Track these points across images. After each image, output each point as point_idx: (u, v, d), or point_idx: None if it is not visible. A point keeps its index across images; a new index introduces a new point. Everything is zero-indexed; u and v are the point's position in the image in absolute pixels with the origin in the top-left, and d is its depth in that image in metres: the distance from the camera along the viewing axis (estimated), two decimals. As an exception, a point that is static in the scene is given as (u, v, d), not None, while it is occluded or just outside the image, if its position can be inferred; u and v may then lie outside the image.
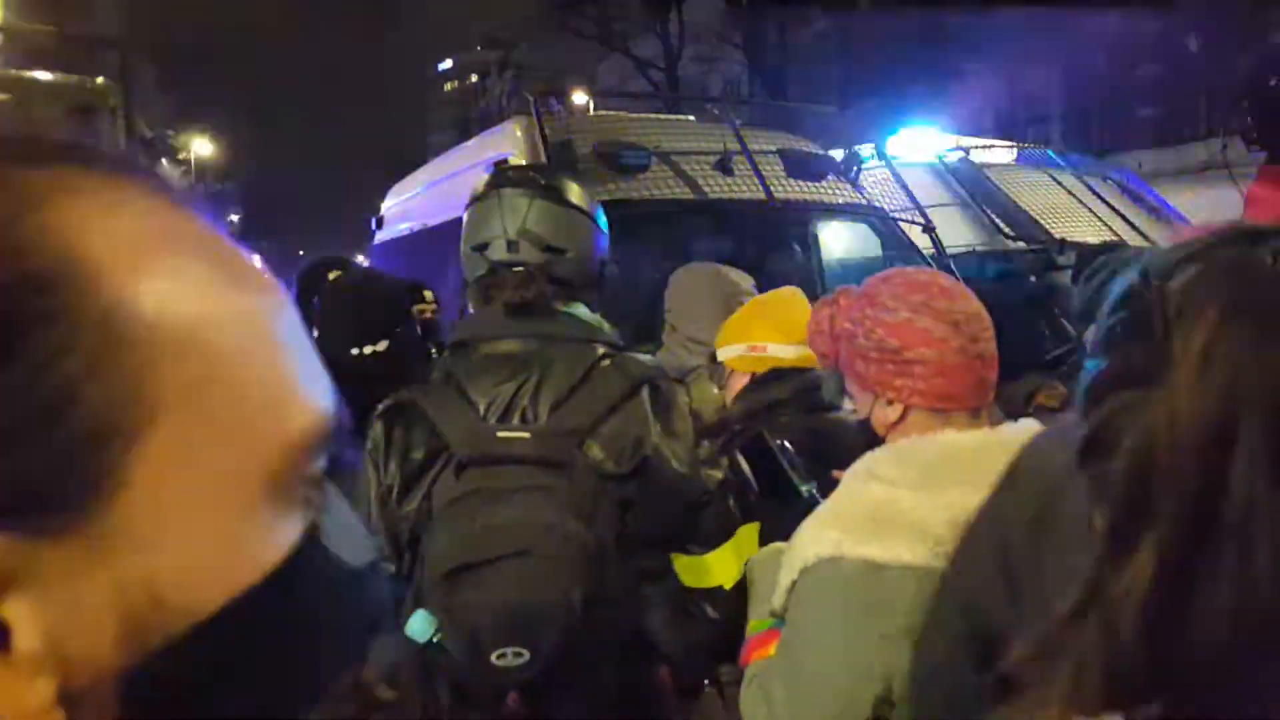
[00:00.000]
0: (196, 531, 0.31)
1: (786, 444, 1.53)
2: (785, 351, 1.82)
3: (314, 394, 0.35)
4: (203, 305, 0.32)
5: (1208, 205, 5.91)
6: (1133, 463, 0.52)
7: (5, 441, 0.27)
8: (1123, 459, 0.52)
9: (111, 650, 0.30)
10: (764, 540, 1.41)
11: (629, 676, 1.41)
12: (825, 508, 1.15)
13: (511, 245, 1.46)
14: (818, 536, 1.11)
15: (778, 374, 1.79)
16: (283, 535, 0.34)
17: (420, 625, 1.27)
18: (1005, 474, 0.83)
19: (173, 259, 0.32)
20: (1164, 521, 0.50)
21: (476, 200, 1.53)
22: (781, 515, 1.33)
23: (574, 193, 1.52)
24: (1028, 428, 1.16)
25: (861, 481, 1.15)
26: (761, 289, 3.03)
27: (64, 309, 0.29)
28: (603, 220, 1.56)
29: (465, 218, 1.55)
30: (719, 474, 1.44)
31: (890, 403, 1.18)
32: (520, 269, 1.45)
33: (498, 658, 1.25)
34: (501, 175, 1.56)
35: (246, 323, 0.33)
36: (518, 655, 1.25)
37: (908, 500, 1.08)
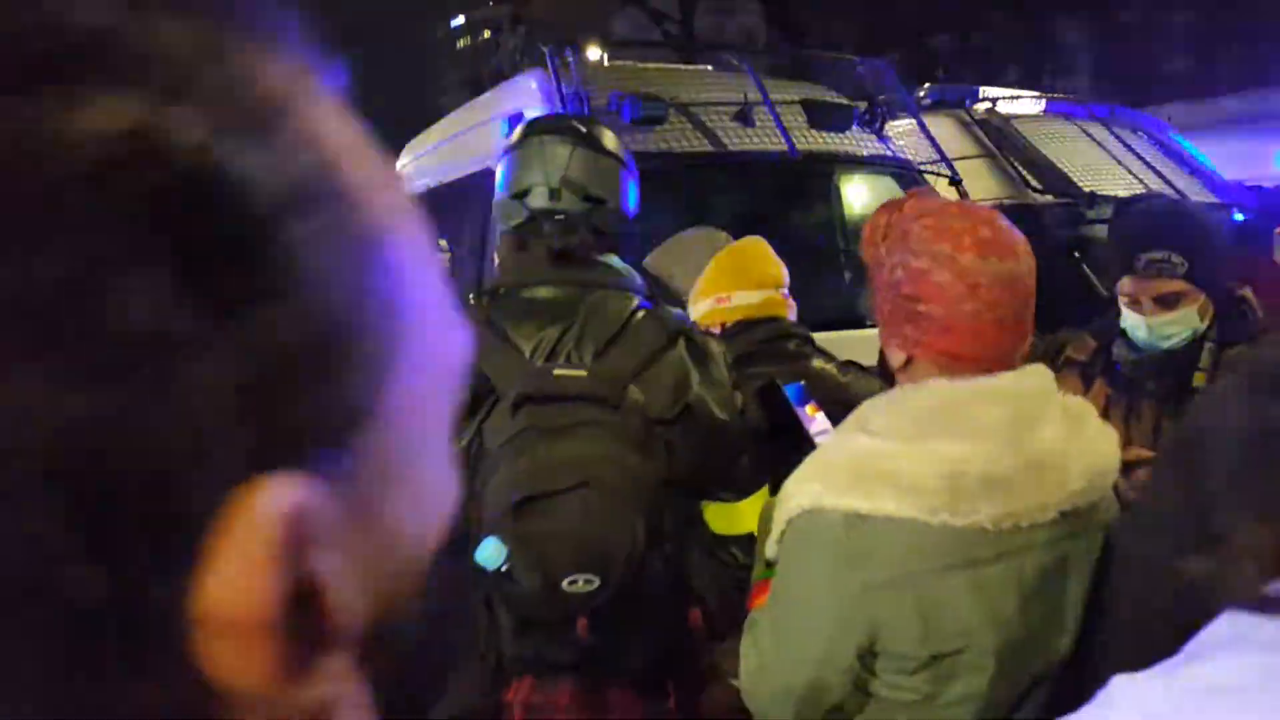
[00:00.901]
0: (426, 470, 0.29)
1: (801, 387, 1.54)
2: (749, 298, 1.81)
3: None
4: (408, 221, 0.29)
5: (1239, 158, 5.78)
6: None
7: (299, 375, 0.24)
8: None
9: (369, 606, 0.26)
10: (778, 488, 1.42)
11: (672, 615, 1.46)
12: (811, 459, 1.14)
13: (553, 194, 1.48)
14: (801, 488, 1.10)
15: (746, 325, 1.79)
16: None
17: (491, 552, 1.29)
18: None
19: (379, 167, 0.29)
20: None
21: (514, 148, 1.54)
22: (795, 462, 1.33)
23: (611, 142, 1.54)
24: (1030, 374, 1.12)
25: (851, 432, 1.13)
26: (783, 242, 2.97)
27: (333, 225, 0.25)
28: (635, 171, 1.57)
29: (501, 166, 1.56)
30: (754, 423, 1.48)
31: (898, 347, 1.15)
32: (561, 217, 1.48)
33: (569, 584, 1.28)
34: (540, 123, 1.57)
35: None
36: (588, 582, 1.28)
37: (895, 451, 1.06)
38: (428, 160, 4.38)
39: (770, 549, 1.16)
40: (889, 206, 1.19)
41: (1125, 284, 1.85)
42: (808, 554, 1.11)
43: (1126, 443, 1.65)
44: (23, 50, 0.22)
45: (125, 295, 0.21)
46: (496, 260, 1.57)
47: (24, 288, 0.21)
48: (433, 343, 0.29)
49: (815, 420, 1.57)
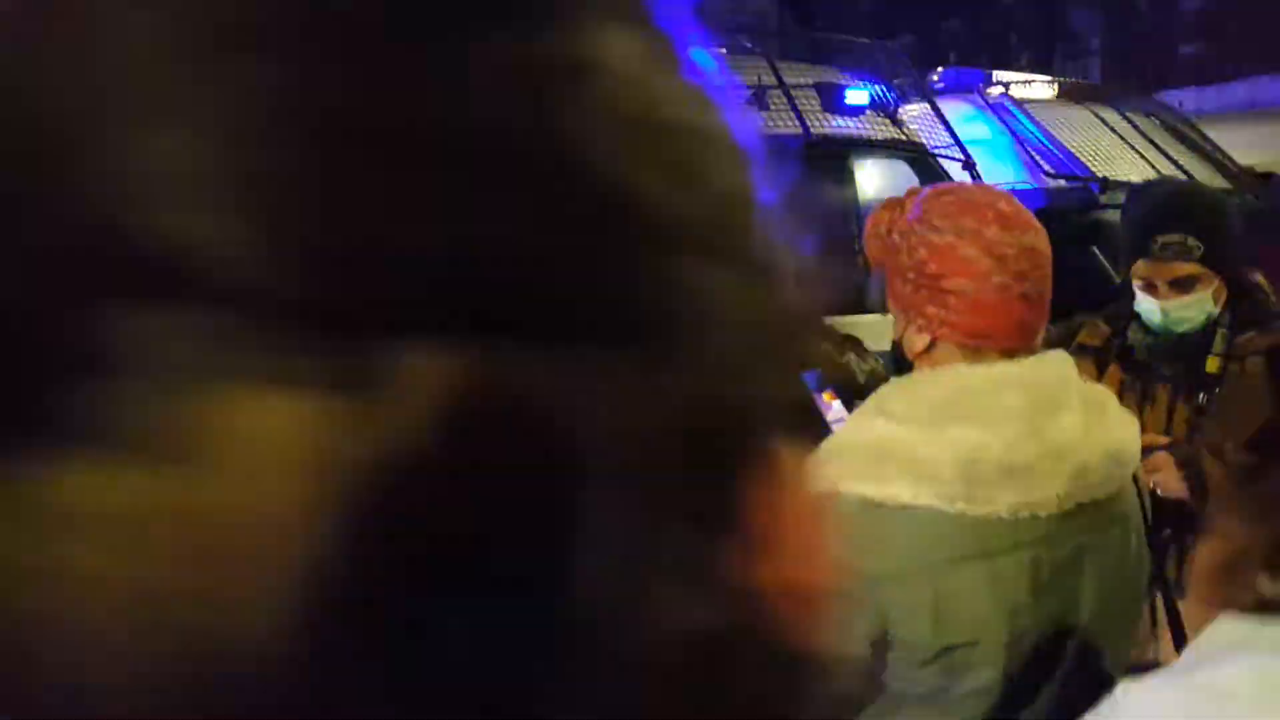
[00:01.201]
0: None
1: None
2: None
3: None
4: None
5: (1250, 144, 5.77)
6: None
7: None
8: None
9: None
10: None
11: None
12: (829, 441, 1.12)
13: None
14: (815, 473, 1.09)
15: None
16: None
17: None
18: None
19: None
20: None
21: None
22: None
23: None
24: (1050, 360, 1.10)
25: (868, 417, 1.10)
26: (801, 226, 2.97)
27: None
28: None
29: None
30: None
31: (920, 330, 1.11)
32: None
33: None
34: None
35: None
36: None
37: (912, 438, 1.03)
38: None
39: None
40: (891, 204, 1.17)
41: (1140, 267, 1.85)
42: None
43: (1141, 428, 1.68)
44: None
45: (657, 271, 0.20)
46: None
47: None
48: None
49: (832, 407, 1.56)
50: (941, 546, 1.04)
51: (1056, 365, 1.11)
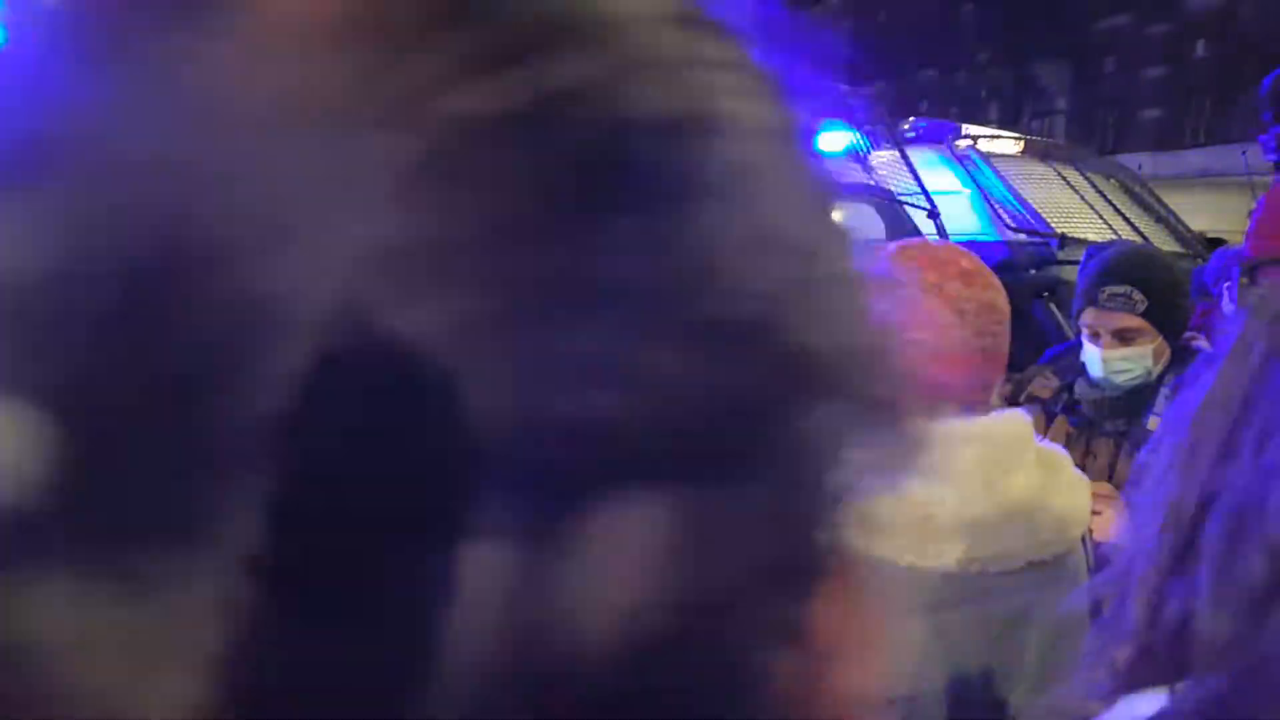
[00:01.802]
0: None
1: None
2: None
3: None
4: None
5: (1204, 210, 5.96)
6: None
7: None
8: None
9: None
10: None
11: None
12: None
13: None
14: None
15: None
16: None
17: None
18: None
19: None
20: None
21: None
22: None
23: None
24: (1008, 419, 1.13)
25: None
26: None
27: None
28: None
29: None
30: None
31: None
32: None
33: None
34: None
35: None
36: None
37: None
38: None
39: None
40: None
41: (1087, 314, 1.91)
42: None
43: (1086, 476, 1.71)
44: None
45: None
46: None
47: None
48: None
49: None
50: (889, 598, 1.04)
51: (1013, 425, 1.13)
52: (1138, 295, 1.84)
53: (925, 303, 1.10)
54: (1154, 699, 0.54)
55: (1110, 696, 0.55)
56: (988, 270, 1.16)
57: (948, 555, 1.04)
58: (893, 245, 1.21)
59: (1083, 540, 1.17)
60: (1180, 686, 0.52)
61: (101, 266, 0.17)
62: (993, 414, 1.14)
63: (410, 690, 0.17)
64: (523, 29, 0.18)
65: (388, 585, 0.17)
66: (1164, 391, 1.88)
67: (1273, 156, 2.54)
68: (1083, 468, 1.93)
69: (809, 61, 0.24)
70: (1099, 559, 1.74)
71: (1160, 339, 1.87)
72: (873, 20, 21.90)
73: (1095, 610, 1.29)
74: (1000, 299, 1.14)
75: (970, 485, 1.06)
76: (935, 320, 1.10)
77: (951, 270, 1.12)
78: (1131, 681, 0.55)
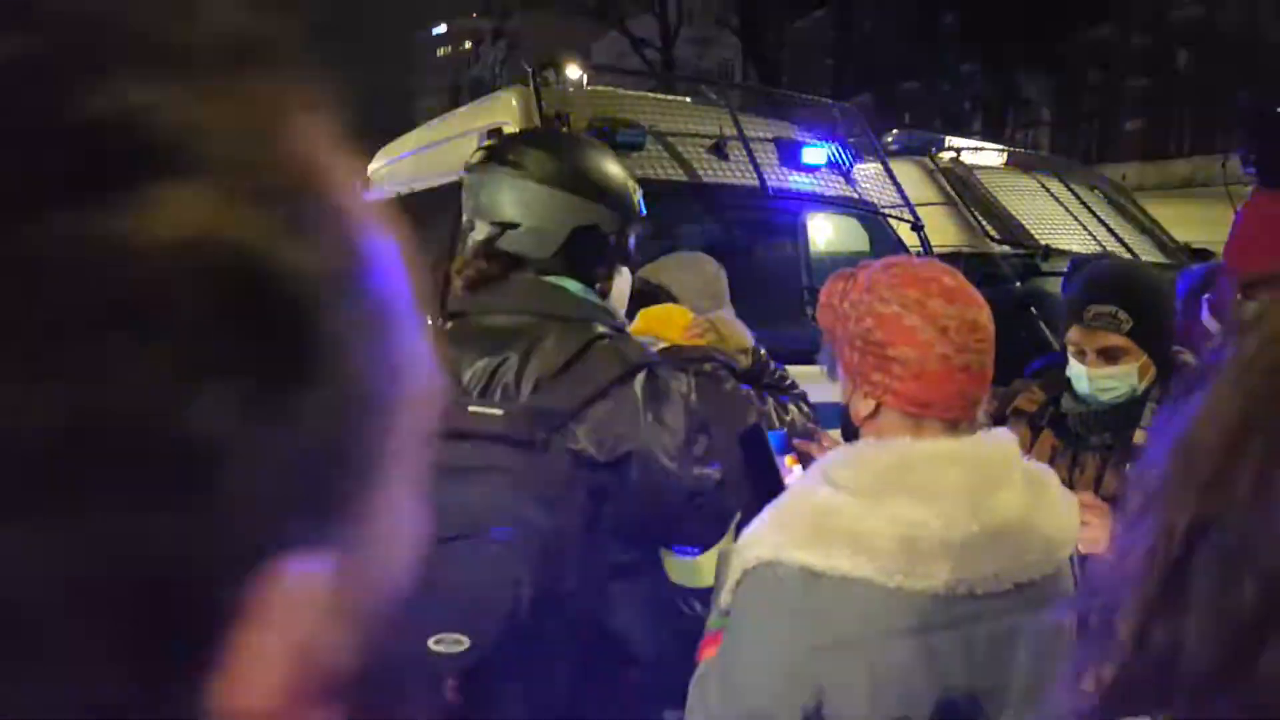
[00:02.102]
0: (405, 518, 0.31)
1: (785, 431, 1.51)
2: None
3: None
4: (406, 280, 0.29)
5: (1188, 221, 6.00)
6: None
7: (332, 457, 0.25)
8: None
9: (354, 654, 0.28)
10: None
11: (589, 678, 1.35)
12: (772, 508, 1.12)
13: (471, 224, 1.46)
14: (760, 538, 1.08)
15: (673, 348, 1.76)
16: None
17: None
18: None
19: (383, 230, 0.29)
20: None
21: (473, 181, 1.51)
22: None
23: (534, 161, 1.44)
24: (994, 438, 1.13)
25: (813, 483, 1.12)
26: (750, 277, 3.02)
27: (363, 307, 0.26)
28: (592, 191, 1.46)
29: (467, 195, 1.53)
30: (716, 474, 1.39)
31: (866, 396, 1.14)
32: (473, 245, 1.44)
33: (435, 642, 1.20)
34: (473, 155, 1.53)
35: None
36: (456, 642, 1.20)
37: (854, 508, 1.05)
38: (404, 166, 4.37)
39: (725, 598, 1.13)
40: (842, 275, 1.20)
41: (1072, 334, 1.92)
42: (761, 607, 1.08)
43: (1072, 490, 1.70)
44: (79, 149, 0.21)
45: (196, 406, 0.21)
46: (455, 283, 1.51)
47: (98, 403, 0.20)
48: (418, 394, 0.29)
49: (794, 472, 1.52)
50: (878, 620, 1.04)
51: (999, 444, 1.13)
52: (1123, 315, 1.85)
53: (907, 320, 1.10)
54: None
55: None
56: (970, 287, 1.16)
57: (935, 577, 1.03)
58: (876, 262, 1.20)
59: (1070, 560, 1.17)
60: (1164, 718, 0.52)
61: None
62: (979, 434, 1.13)
63: None
64: None
65: None
66: (1150, 406, 1.89)
67: (1251, 170, 2.56)
68: (1069, 482, 1.93)
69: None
70: (1088, 574, 1.74)
71: (1145, 357, 1.88)
72: (857, 32, 22.05)
73: (1082, 629, 1.29)
74: (983, 315, 1.13)
75: (956, 506, 1.05)
76: (916, 336, 1.10)
77: (934, 287, 1.11)
78: (1112, 709, 0.54)
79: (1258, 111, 2.62)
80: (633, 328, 1.79)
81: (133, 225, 0.21)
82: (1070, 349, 1.94)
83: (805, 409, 1.76)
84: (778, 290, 3.55)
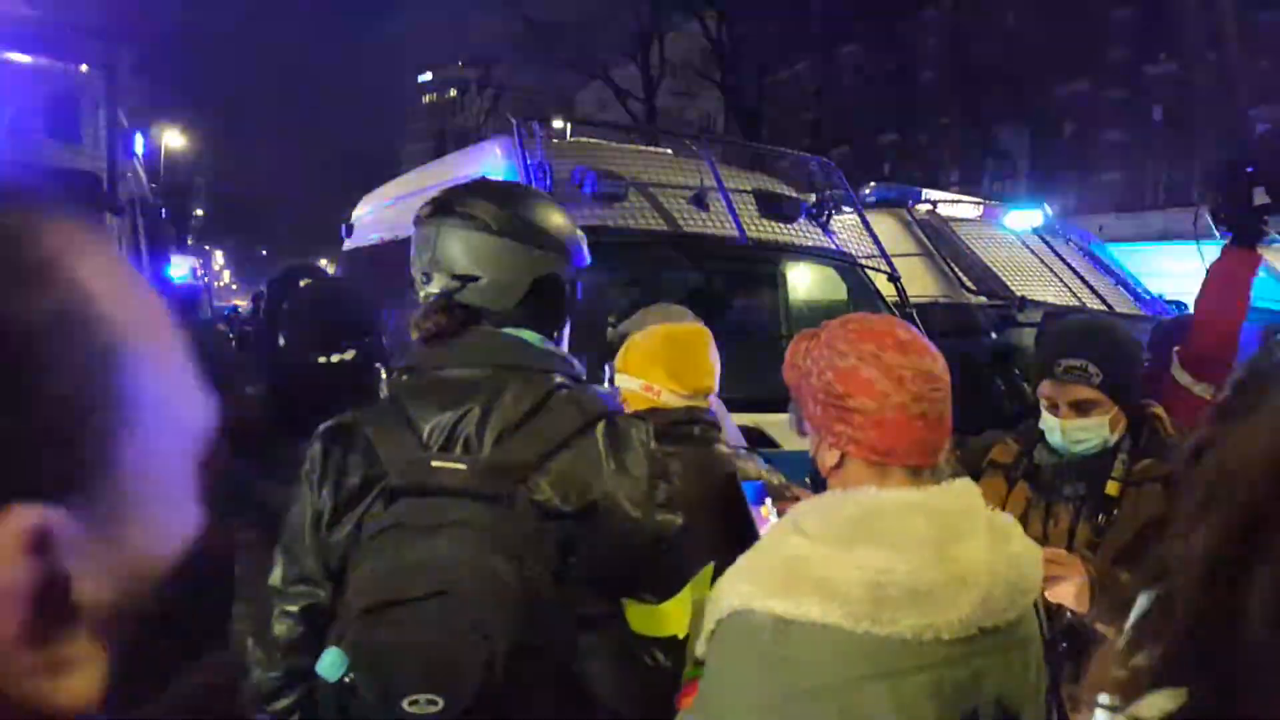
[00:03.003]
0: (166, 505, 0.43)
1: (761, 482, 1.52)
2: (675, 400, 1.83)
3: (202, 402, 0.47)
4: (155, 332, 0.44)
5: (1162, 272, 6.11)
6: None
7: (37, 444, 0.39)
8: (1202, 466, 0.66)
9: (112, 595, 0.41)
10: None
11: None
12: (745, 557, 1.14)
13: (426, 277, 1.46)
14: (732, 588, 1.10)
15: (654, 410, 1.79)
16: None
17: (331, 663, 1.22)
18: None
19: (138, 297, 0.44)
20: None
21: (432, 232, 1.49)
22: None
23: (487, 212, 1.45)
24: (957, 489, 1.15)
25: (783, 533, 1.14)
26: (728, 326, 3.06)
27: (75, 341, 0.40)
28: (547, 242, 1.47)
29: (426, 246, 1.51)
30: (678, 519, 1.39)
31: (831, 447, 1.18)
32: (432, 299, 1.44)
33: (410, 704, 1.19)
34: (423, 208, 1.52)
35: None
36: (431, 703, 1.19)
37: (822, 556, 1.07)
38: (389, 213, 4.41)
39: (700, 647, 1.15)
40: (806, 335, 1.25)
41: (1044, 386, 1.96)
42: (734, 656, 1.10)
43: (1043, 543, 1.73)
44: None
45: None
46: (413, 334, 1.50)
47: None
48: (171, 417, 0.43)
49: (768, 522, 1.54)
50: (848, 665, 1.05)
51: (963, 493, 1.16)
52: (1093, 369, 1.89)
53: (865, 372, 1.14)
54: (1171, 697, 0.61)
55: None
56: (924, 340, 1.20)
57: (902, 623, 1.05)
58: (835, 321, 1.24)
59: (1035, 607, 1.19)
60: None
61: None
62: (943, 484, 1.16)
63: None
64: None
65: None
66: (1121, 457, 1.92)
67: (1219, 227, 2.63)
68: (1043, 533, 1.96)
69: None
70: (1065, 626, 1.75)
71: (1116, 409, 1.91)
72: (837, 85, 22.47)
73: (1049, 651, 1.30)
74: (938, 366, 1.17)
75: (922, 554, 1.07)
76: (873, 388, 1.14)
77: (888, 340, 1.16)
78: (1156, 680, 0.62)
79: (1226, 169, 2.70)
80: (636, 373, 1.85)
81: None
82: (1043, 402, 1.98)
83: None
84: (757, 339, 3.59)
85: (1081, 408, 1.91)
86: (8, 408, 0.37)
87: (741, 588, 1.09)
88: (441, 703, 1.19)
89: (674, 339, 1.91)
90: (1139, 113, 19.17)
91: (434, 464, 1.30)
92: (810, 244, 3.84)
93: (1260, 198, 2.58)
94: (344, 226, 5.18)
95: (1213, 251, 2.66)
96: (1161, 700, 0.62)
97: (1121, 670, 0.66)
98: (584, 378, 1.47)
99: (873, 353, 1.15)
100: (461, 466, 1.30)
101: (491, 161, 3.51)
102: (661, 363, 1.86)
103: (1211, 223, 2.72)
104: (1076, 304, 4.38)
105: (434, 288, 1.43)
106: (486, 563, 1.23)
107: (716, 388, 1.92)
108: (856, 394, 1.14)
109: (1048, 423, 1.96)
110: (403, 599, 1.21)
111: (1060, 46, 17.99)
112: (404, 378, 1.44)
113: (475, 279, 1.42)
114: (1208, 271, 2.62)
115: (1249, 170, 2.61)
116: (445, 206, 1.46)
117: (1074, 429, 1.92)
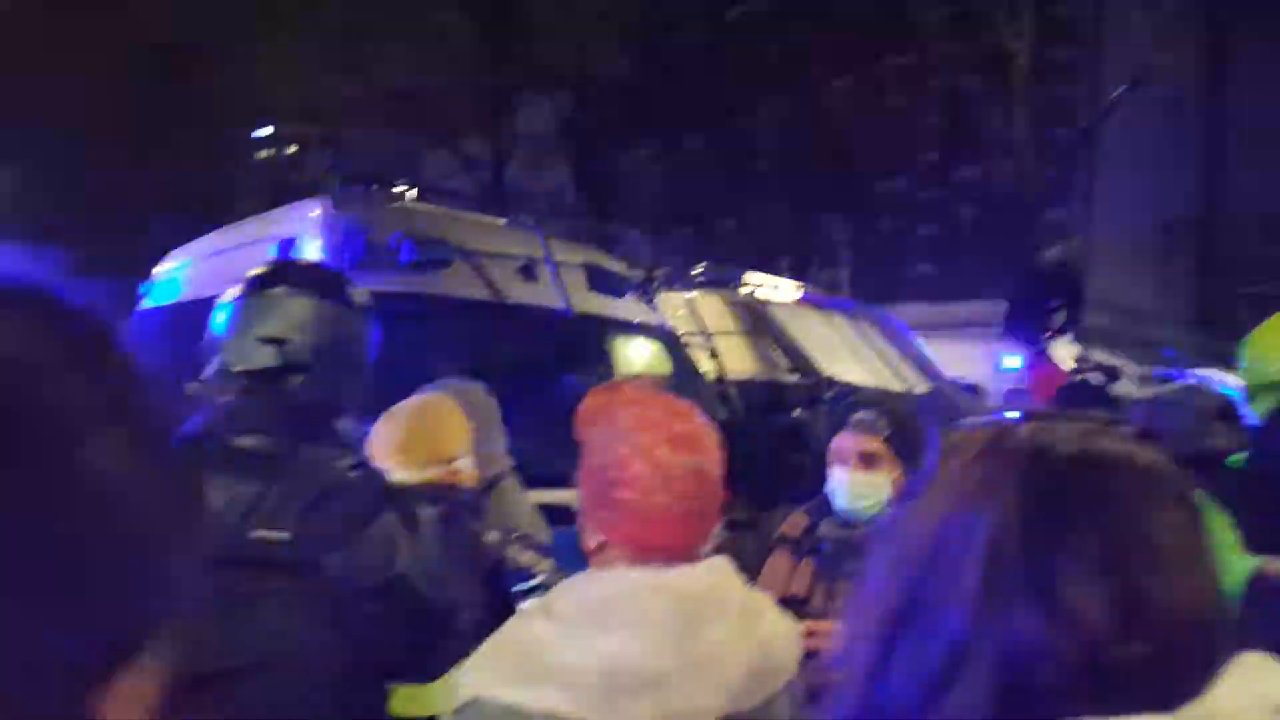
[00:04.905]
0: None
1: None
2: (405, 475, 1.63)
3: None
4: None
5: (962, 359, 6.62)
6: None
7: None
8: None
9: None
10: None
11: None
12: (489, 641, 1.10)
13: (228, 342, 1.45)
14: (468, 675, 1.07)
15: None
16: None
17: None
18: None
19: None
20: None
21: (238, 299, 1.50)
22: None
23: (304, 278, 1.48)
24: (708, 569, 1.14)
25: (530, 616, 1.11)
26: (554, 398, 3.06)
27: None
28: (354, 314, 1.51)
29: (230, 312, 1.51)
30: (464, 600, 1.41)
31: (594, 529, 1.15)
32: (249, 371, 1.43)
33: None
34: (249, 279, 1.53)
35: None
36: None
37: (560, 642, 1.04)
38: (198, 270, 4.20)
39: None
40: (605, 390, 1.23)
41: (836, 439, 2.10)
42: None
43: (823, 619, 1.80)
44: None
45: None
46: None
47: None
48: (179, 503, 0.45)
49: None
50: None
51: (712, 574, 1.14)
52: (881, 422, 2.05)
53: (636, 466, 1.12)
54: None
55: None
56: (702, 431, 1.18)
57: (634, 712, 1.01)
58: (627, 389, 1.24)
59: (789, 688, 1.17)
60: None
61: None
62: (695, 564, 1.13)
63: None
64: None
65: None
66: None
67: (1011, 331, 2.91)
68: (824, 610, 2.04)
69: None
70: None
71: (900, 471, 2.04)
72: (681, 167, 23.39)
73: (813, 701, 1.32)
74: (709, 463, 1.15)
75: (661, 638, 1.04)
76: (641, 483, 1.12)
77: (663, 434, 1.13)
78: None
79: (1022, 276, 3.00)
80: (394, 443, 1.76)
81: None
82: (832, 459, 2.09)
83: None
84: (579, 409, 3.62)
85: (869, 460, 2.04)
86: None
87: (476, 675, 1.05)
88: None
89: (399, 413, 1.79)
90: (949, 211, 20.95)
91: (254, 535, 1.30)
92: (636, 319, 3.94)
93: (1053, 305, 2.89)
94: (140, 286, 4.84)
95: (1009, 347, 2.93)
96: None
97: None
98: (367, 460, 1.47)
99: (646, 446, 1.12)
100: (285, 536, 1.30)
101: (305, 224, 3.41)
102: (385, 438, 1.73)
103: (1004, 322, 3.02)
104: (878, 384, 4.68)
105: (232, 355, 1.43)
106: (306, 635, 1.25)
107: (466, 450, 1.81)
108: (623, 486, 1.12)
109: (836, 480, 2.07)
110: (227, 671, 1.18)
111: (881, 147, 19.50)
112: (189, 447, 1.38)
113: (280, 342, 1.43)
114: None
115: (1039, 276, 2.93)
116: (263, 279, 1.49)
117: (860, 483, 2.04)
